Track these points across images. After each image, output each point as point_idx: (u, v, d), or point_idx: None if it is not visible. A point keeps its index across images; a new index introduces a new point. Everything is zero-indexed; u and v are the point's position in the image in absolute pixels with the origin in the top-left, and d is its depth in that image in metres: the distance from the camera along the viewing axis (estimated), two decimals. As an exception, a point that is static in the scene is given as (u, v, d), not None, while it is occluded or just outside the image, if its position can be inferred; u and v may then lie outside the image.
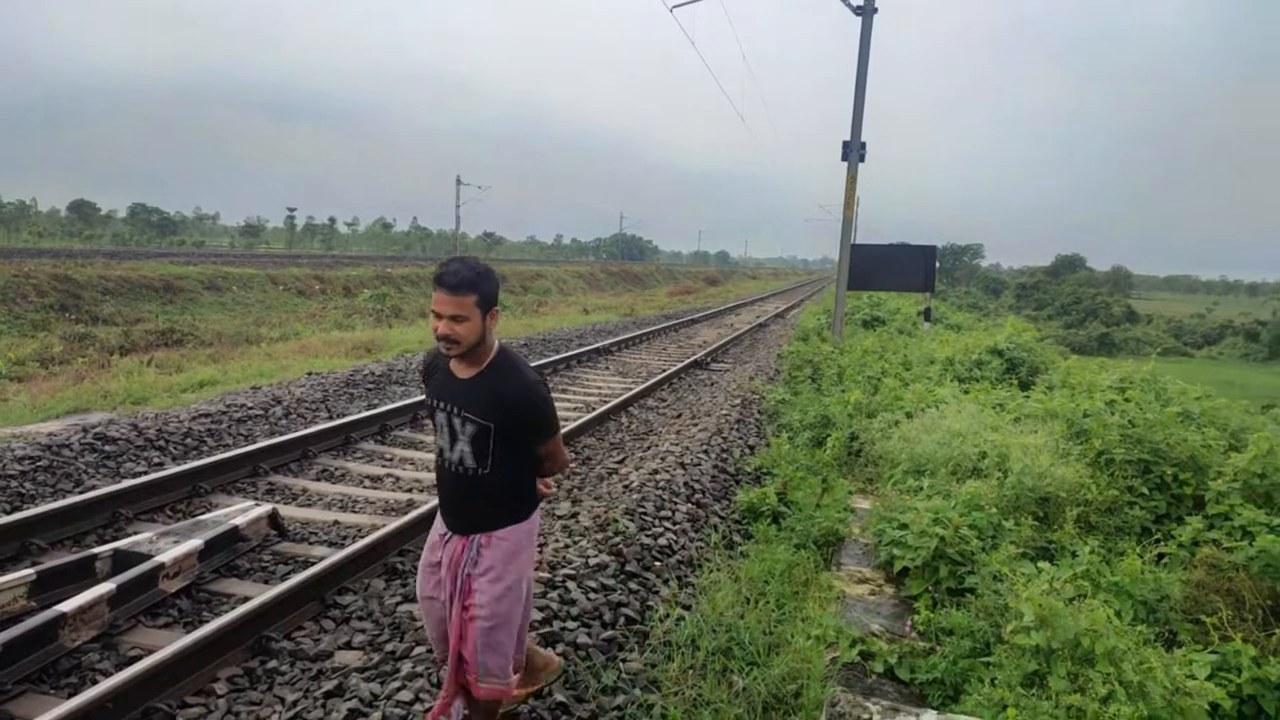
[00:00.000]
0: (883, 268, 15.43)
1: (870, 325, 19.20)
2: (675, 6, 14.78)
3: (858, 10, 14.11)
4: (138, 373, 10.44)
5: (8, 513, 5.04)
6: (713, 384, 11.85)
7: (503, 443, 2.64)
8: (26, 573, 3.98)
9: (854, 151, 14.28)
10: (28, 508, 5.13)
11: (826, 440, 7.32)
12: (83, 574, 4.21)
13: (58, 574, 4.09)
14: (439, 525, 2.83)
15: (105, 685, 3.07)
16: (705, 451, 7.09)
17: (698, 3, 14.92)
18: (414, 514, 5.18)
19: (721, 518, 5.79)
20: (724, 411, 8.91)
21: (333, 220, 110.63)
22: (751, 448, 7.70)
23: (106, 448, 6.29)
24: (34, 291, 19.34)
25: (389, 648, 3.63)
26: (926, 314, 16.46)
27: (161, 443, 6.65)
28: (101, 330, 16.02)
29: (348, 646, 3.81)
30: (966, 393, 8.09)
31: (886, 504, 5.10)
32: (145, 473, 6.02)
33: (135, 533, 4.95)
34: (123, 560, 4.29)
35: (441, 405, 2.70)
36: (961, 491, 4.92)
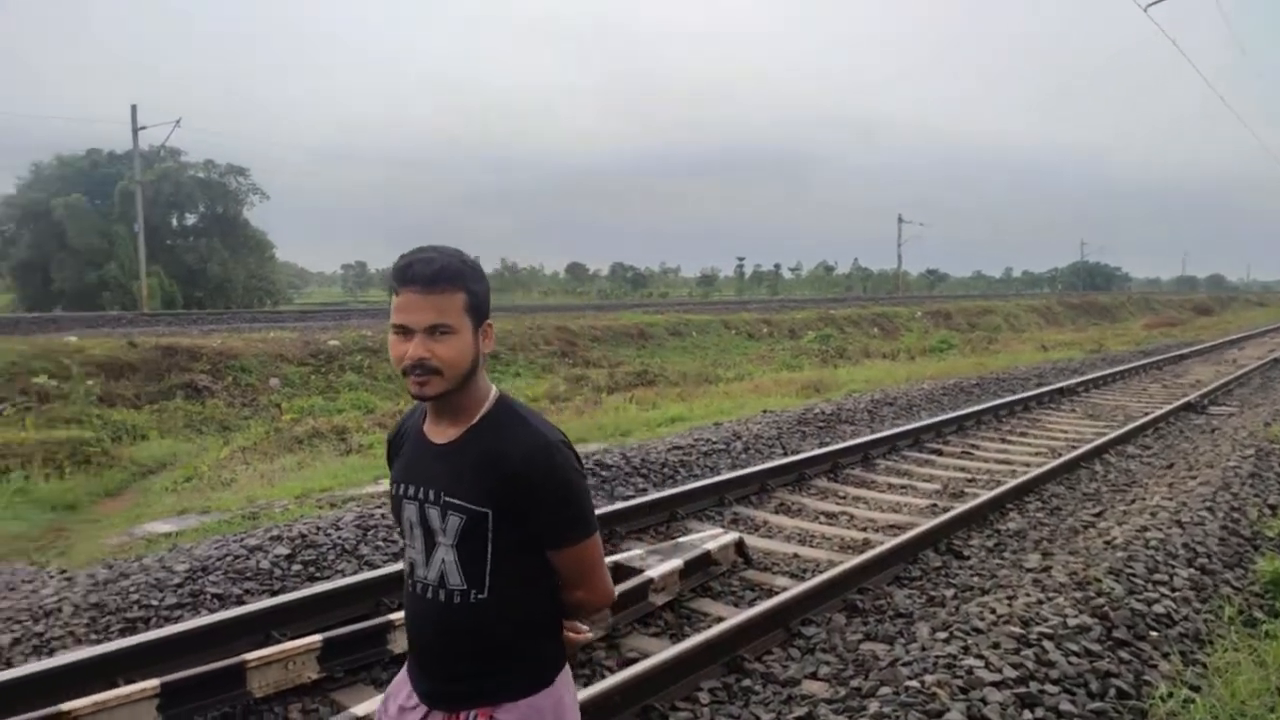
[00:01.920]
0: None
1: None
2: (1150, 5, 13.16)
3: None
4: (622, 409, 11.99)
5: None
6: (1213, 430, 10.08)
7: (509, 543, 1.64)
8: (551, 575, 4.78)
9: None
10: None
11: (1388, 504, 5.81)
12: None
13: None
14: (403, 683, 1.82)
15: (614, 680, 3.55)
16: (1209, 509, 6.06)
17: (1182, -6, 13.12)
18: (871, 553, 5.21)
19: (1235, 588, 4.89)
20: (1232, 463, 7.53)
21: (777, 266, 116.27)
22: (1273, 508, 6.39)
23: (603, 472, 7.31)
24: (542, 340, 23.15)
25: (854, 683, 3.67)
26: None
27: (645, 470, 7.55)
28: (592, 372, 18.65)
29: (813, 677, 3.93)
30: None
31: None
32: (632, 496, 6.86)
33: (628, 549, 5.66)
34: (620, 572, 4.93)
35: (409, 491, 1.71)
36: None
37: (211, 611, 4.39)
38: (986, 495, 6.71)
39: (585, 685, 3.77)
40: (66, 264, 38.25)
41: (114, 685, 3.46)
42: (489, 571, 1.64)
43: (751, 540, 5.87)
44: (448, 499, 1.64)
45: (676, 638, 4.37)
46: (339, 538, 5.39)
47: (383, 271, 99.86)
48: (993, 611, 4.22)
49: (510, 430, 1.64)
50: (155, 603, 4.48)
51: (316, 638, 3.86)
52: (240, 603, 4.53)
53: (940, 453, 9.05)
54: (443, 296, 1.57)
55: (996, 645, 3.77)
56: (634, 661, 3.98)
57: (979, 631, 3.97)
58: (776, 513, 6.75)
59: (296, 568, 5.00)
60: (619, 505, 6.27)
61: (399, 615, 4.15)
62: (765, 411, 10.95)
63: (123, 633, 4.18)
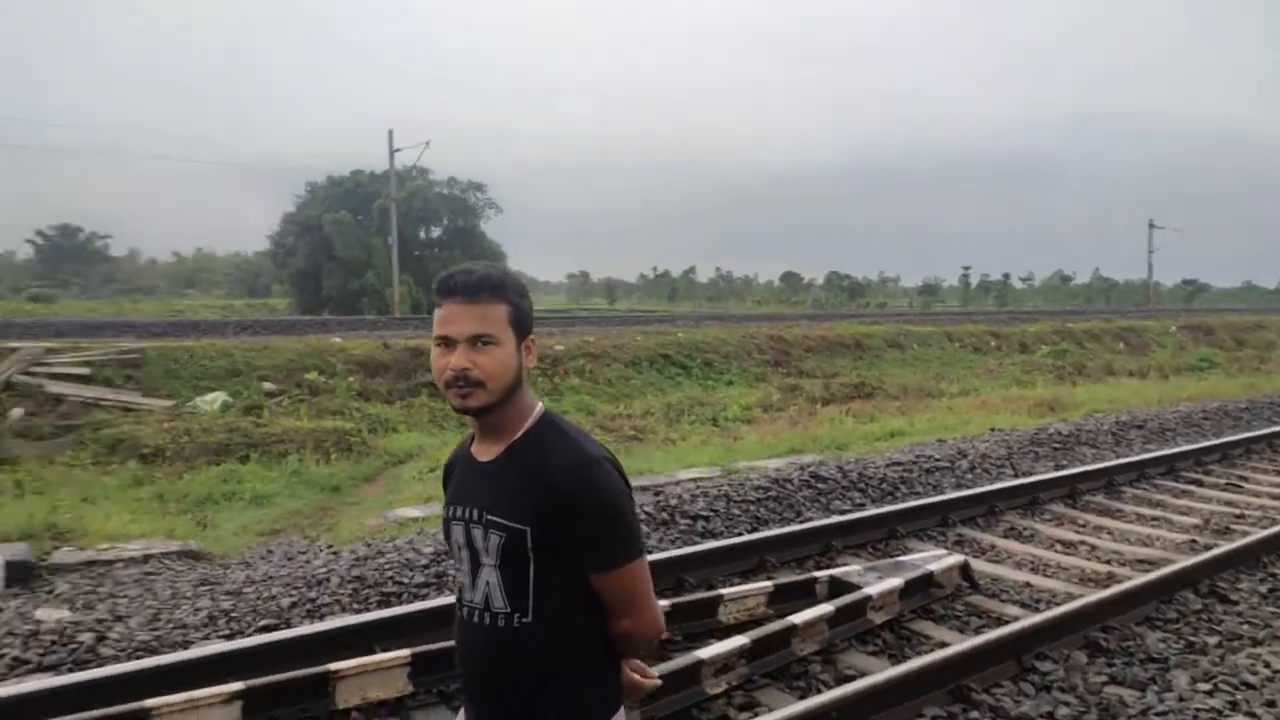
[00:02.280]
0: None
1: None
2: None
3: None
4: (838, 421, 11.75)
5: (749, 531, 6.13)
6: None
7: (552, 565, 1.59)
8: (766, 584, 4.78)
9: None
10: (763, 530, 6.15)
11: None
12: (805, 593, 4.87)
13: (788, 589, 4.82)
14: None
15: (831, 695, 3.50)
16: None
17: None
18: (1118, 588, 4.78)
19: None
20: None
21: (1006, 276, 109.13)
22: None
23: (818, 485, 7.20)
24: (756, 350, 23.14)
25: (1096, 728, 3.39)
26: None
27: (862, 485, 7.36)
28: (806, 382, 18.40)
29: (1049, 717, 3.67)
30: None
31: None
32: (849, 511, 6.70)
33: (844, 564, 5.54)
34: (837, 587, 4.84)
35: (457, 512, 1.69)
36: None
37: (453, 593, 4.78)
38: (1260, 534, 5.95)
39: (801, 698, 3.75)
40: (334, 273, 42.97)
41: (371, 651, 3.85)
42: (532, 594, 1.59)
43: (978, 564, 5.57)
44: (489, 517, 1.60)
45: (896, 659, 4.23)
46: (564, 533, 5.68)
47: (606, 280, 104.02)
48: (1267, 665, 3.76)
49: (551, 445, 1.60)
50: (406, 580, 4.95)
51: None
52: (476, 587, 4.89)
53: (1200, 483, 8.13)
54: (485, 307, 1.56)
55: (1272, 704, 3.36)
56: (851, 679, 3.90)
57: (1250, 686, 3.55)
58: (1006, 537, 6.35)
59: (526, 558, 5.33)
60: (835, 519, 6.17)
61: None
62: (993, 430, 10.33)
63: (379, 604, 4.65)
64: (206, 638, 4.23)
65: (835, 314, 44.35)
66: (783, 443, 9.73)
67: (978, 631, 4.52)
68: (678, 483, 7.44)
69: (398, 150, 34.22)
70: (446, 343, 1.57)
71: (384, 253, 40.10)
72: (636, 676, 1.75)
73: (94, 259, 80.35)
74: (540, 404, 1.67)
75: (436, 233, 48.46)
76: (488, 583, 1.61)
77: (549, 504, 1.55)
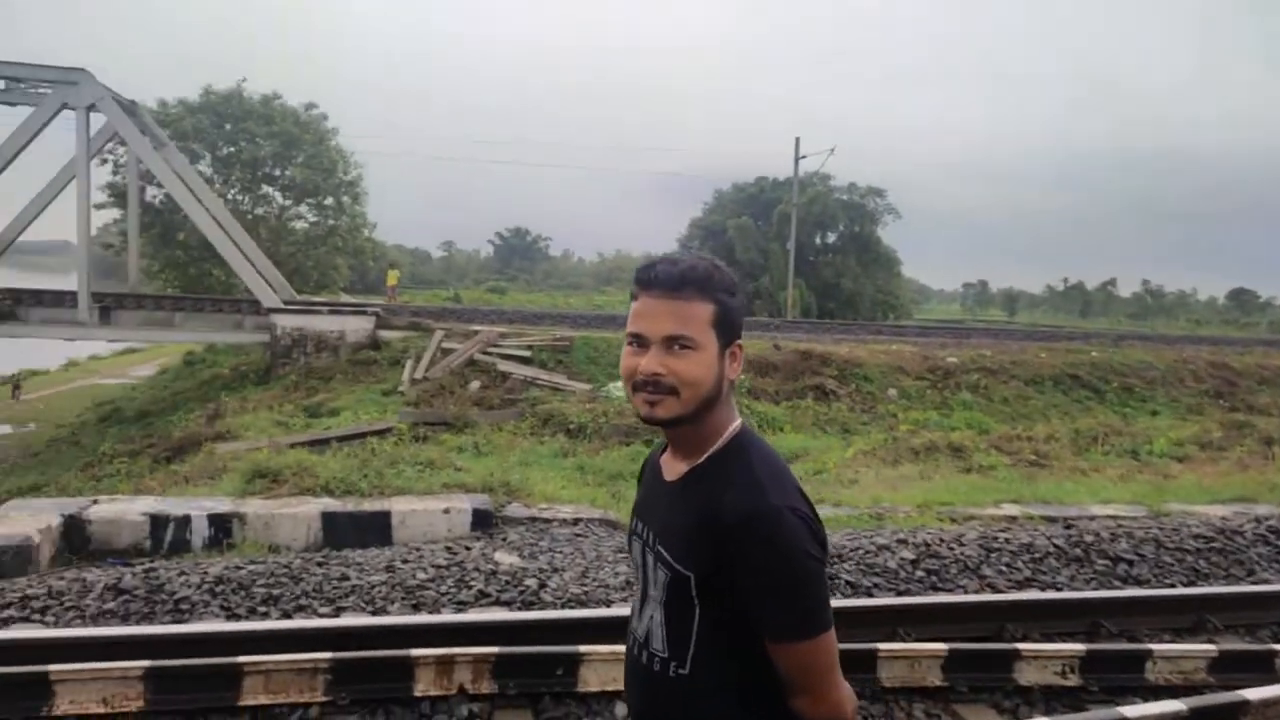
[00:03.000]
0: None
1: None
2: None
3: None
4: (1306, 469, 9.74)
5: (1185, 584, 5.35)
6: None
7: (719, 616, 1.34)
8: (1209, 647, 4.15)
9: None
10: (1202, 585, 5.34)
11: None
12: (1260, 666, 4.14)
13: (1237, 658, 4.14)
14: None
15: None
16: None
17: None
18: None
19: None
20: None
21: None
22: None
23: (1277, 540, 6.05)
24: (1191, 377, 20.01)
25: None
26: None
27: (1343, 551, 6.04)
28: (1259, 420, 15.48)
29: None
30: None
31: None
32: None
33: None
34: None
35: (637, 528, 1.50)
36: None
37: (845, 597, 4.81)
38: None
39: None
40: (732, 276, 45.38)
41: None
42: (694, 645, 1.38)
43: None
44: (659, 547, 1.42)
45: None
46: (961, 553, 5.43)
47: (1006, 291, 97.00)
48: None
49: (731, 482, 1.34)
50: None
51: (941, 646, 3.97)
52: (869, 594, 4.88)
53: None
54: (686, 305, 1.34)
55: None
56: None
57: None
58: None
59: (920, 574, 5.19)
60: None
61: (1025, 646, 4.03)
62: None
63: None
64: (624, 599, 4.74)
65: (1304, 340, 36.69)
66: (1228, 488, 8.30)
67: None
68: (1092, 518, 6.72)
69: (803, 157, 34.96)
70: (639, 341, 1.37)
71: (781, 257, 41.26)
72: None
73: (537, 257, 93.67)
74: (738, 421, 1.44)
75: (832, 238, 48.72)
76: (651, 617, 1.45)
77: (717, 553, 1.33)
